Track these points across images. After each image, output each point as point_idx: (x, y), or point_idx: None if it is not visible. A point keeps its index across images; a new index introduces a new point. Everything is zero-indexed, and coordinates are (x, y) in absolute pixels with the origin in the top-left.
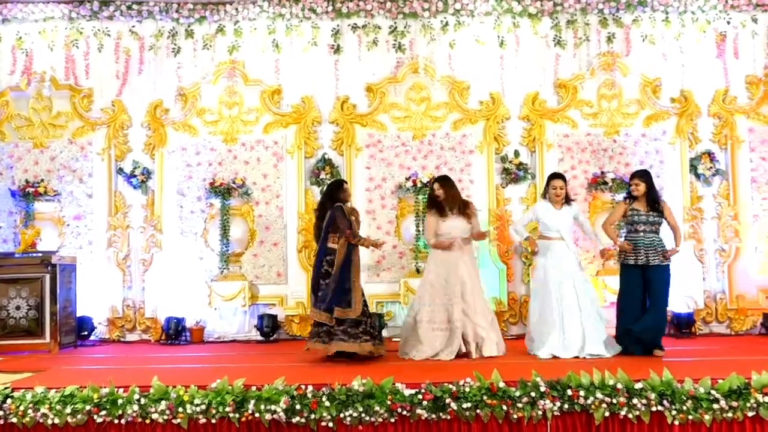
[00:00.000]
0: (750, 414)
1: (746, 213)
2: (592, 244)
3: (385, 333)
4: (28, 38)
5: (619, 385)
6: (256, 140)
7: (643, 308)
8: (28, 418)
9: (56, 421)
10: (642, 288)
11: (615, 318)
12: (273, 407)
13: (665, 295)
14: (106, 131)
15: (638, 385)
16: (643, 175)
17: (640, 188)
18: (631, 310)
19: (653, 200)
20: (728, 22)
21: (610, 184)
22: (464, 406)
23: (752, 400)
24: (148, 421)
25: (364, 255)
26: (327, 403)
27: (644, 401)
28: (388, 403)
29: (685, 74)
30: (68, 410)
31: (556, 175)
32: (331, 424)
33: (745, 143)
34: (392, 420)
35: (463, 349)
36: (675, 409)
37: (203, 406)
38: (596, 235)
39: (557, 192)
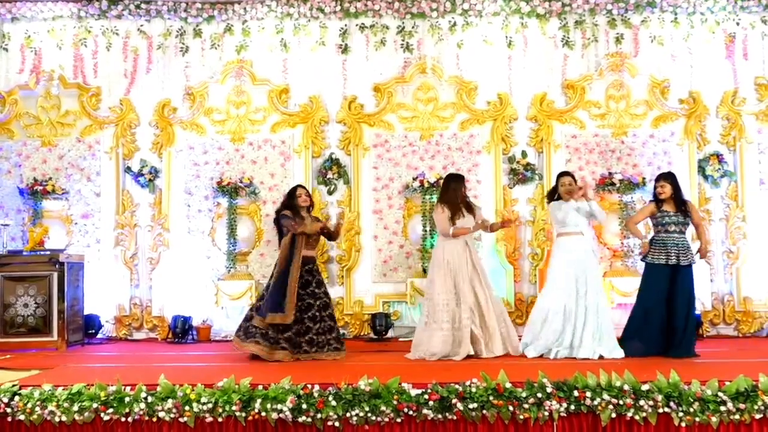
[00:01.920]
0: (757, 416)
1: (754, 215)
2: (600, 246)
3: (391, 333)
4: (37, 37)
5: (626, 387)
6: (263, 139)
7: (668, 309)
8: (35, 416)
9: (63, 418)
10: (668, 288)
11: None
12: (279, 406)
13: (694, 297)
14: (114, 130)
15: (645, 387)
16: (668, 177)
17: (666, 190)
18: (656, 310)
19: (680, 201)
20: (737, 23)
21: (618, 185)
22: (470, 406)
23: (760, 403)
24: (154, 420)
25: (371, 254)
26: (333, 403)
27: (651, 403)
28: (395, 402)
29: (694, 75)
30: (75, 408)
31: (565, 173)
32: (337, 424)
33: (754, 145)
34: (398, 420)
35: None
36: (682, 411)
37: (210, 405)
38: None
39: (567, 188)
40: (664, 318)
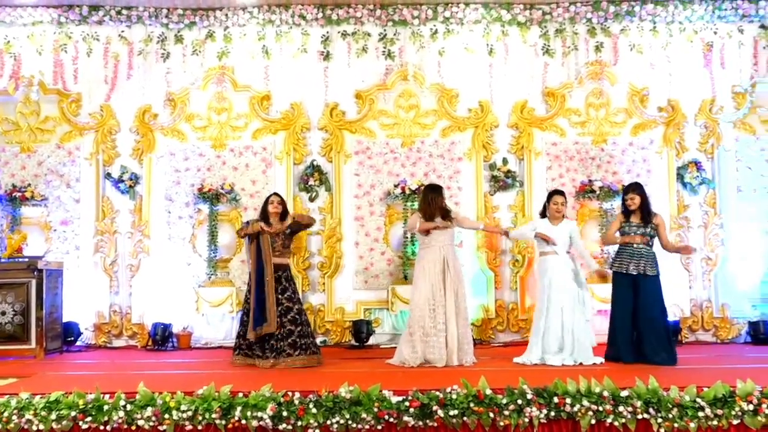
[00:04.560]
0: (735, 422)
1: (732, 222)
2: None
3: (372, 340)
4: (17, 42)
5: (606, 393)
6: (244, 146)
7: (634, 317)
8: (12, 425)
9: (41, 427)
10: (633, 297)
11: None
12: (260, 414)
13: (660, 306)
14: (95, 136)
15: (624, 393)
16: (637, 188)
17: (636, 201)
18: (622, 318)
19: (647, 213)
20: (715, 33)
21: (598, 192)
22: (451, 413)
23: (737, 408)
24: (134, 428)
25: (353, 261)
26: (314, 410)
27: (630, 409)
28: (375, 410)
29: (673, 84)
30: (53, 416)
31: (557, 192)
32: (317, 431)
33: (731, 152)
34: (379, 427)
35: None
36: (661, 417)
37: (189, 413)
38: (588, 257)
39: (558, 207)
40: (629, 326)
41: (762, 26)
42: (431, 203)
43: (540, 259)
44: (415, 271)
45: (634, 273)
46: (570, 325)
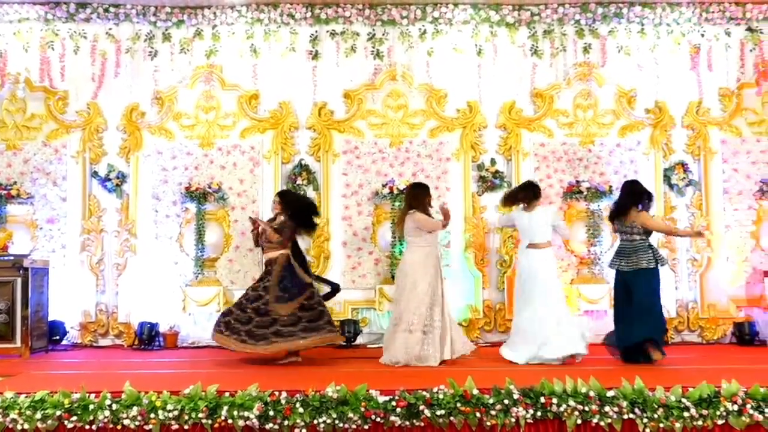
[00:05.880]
0: (720, 422)
1: (718, 223)
2: (567, 253)
3: (360, 340)
4: (3, 39)
5: (592, 393)
6: (232, 145)
7: (627, 313)
8: None
9: (26, 426)
10: (624, 293)
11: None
12: (246, 413)
13: (647, 298)
14: (81, 134)
15: (610, 393)
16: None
17: None
18: (620, 315)
19: (620, 210)
20: (702, 35)
21: (585, 193)
22: (438, 413)
23: (722, 409)
24: (119, 427)
25: (340, 261)
26: (300, 410)
27: (616, 409)
28: (362, 409)
29: (660, 85)
30: (38, 416)
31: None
32: (304, 431)
33: (718, 154)
34: (366, 427)
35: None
36: (646, 417)
37: (176, 412)
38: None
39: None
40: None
41: (749, 29)
42: (423, 199)
43: (519, 250)
44: (412, 269)
45: (616, 267)
46: (549, 317)
